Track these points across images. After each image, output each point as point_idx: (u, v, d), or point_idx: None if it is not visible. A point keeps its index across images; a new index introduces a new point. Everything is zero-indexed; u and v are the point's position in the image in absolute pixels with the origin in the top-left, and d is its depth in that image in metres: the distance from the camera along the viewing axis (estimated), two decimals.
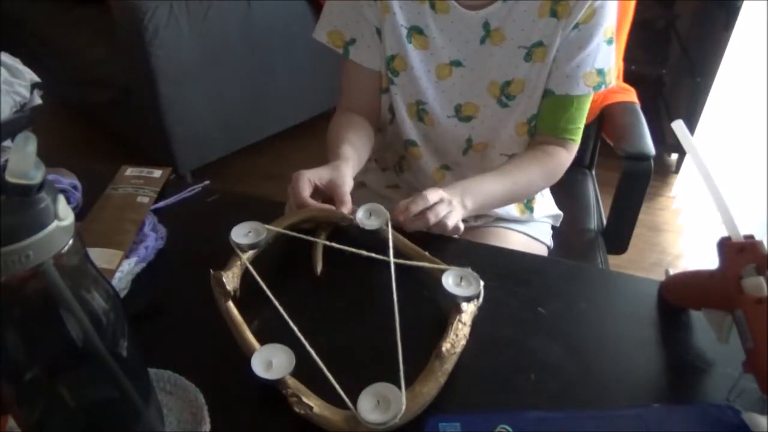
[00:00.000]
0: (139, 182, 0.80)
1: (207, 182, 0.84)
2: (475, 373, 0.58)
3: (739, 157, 1.89)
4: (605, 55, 0.89)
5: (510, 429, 0.48)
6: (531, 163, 0.92)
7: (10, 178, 0.34)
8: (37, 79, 0.86)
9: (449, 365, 0.55)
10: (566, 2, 0.85)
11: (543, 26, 0.87)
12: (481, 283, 0.62)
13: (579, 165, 1.40)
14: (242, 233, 0.69)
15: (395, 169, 1.09)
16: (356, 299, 0.67)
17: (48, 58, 2.29)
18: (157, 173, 0.83)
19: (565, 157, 0.94)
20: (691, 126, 2.09)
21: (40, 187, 0.35)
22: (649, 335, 0.64)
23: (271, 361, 0.55)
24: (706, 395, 0.59)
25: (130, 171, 0.83)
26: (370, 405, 0.51)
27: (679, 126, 0.61)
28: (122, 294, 0.66)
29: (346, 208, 0.74)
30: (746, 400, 0.53)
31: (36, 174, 0.34)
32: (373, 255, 0.67)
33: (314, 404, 0.52)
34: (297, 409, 0.52)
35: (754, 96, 1.78)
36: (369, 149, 0.94)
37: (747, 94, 1.86)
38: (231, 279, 0.63)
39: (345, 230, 0.73)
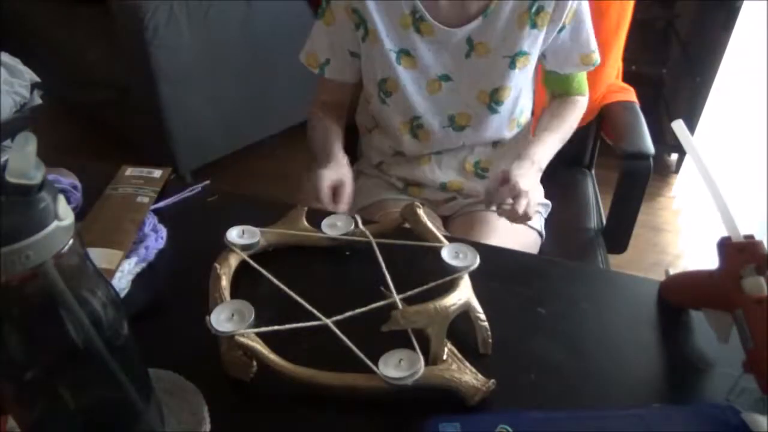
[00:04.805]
0: (139, 182, 0.80)
1: (207, 182, 0.84)
2: None
3: (739, 157, 1.89)
4: (593, 36, 1.00)
5: (510, 429, 0.48)
6: (568, 112, 1.04)
7: (10, 178, 0.34)
8: (37, 79, 0.86)
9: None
10: (545, 13, 0.92)
11: (524, 36, 0.94)
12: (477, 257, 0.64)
13: (578, 164, 1.40)
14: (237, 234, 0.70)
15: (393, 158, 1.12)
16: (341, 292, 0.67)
17: (48, 58, 2.29)
18: (157, 173, 0.83)
19: (584, 101, 1.08)
20: (691, 126, 2.09)
21: (40, 187, 0.35)
22: (649, 335, 0.64)
23: (233, 315, 0.57)
24: (706, 395, 0.59)
25: (130, 171, 0.83)
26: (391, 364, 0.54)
27: (679, 126, 0.61)
28: (122, 294, 0.66)
29: (343, 208, 0.88)
30: (746, 400, 0.53)
31: (36, 174, 0.34)
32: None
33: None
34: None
35: (754, 96, 1.78)
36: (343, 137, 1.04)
37: (747, 94, 1.86)
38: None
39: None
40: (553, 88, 1.09)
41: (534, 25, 0.94)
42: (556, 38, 0.97)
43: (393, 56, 0.96)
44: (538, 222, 1.12)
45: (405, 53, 0.96)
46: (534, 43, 0.96)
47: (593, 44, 1.00)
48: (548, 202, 1.15)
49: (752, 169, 1.75)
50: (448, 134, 1.03)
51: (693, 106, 2.11)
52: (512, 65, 0.96)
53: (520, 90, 1.01)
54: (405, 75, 0.97)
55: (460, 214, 1.11)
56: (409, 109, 1.00)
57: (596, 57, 1.01)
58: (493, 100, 0.99)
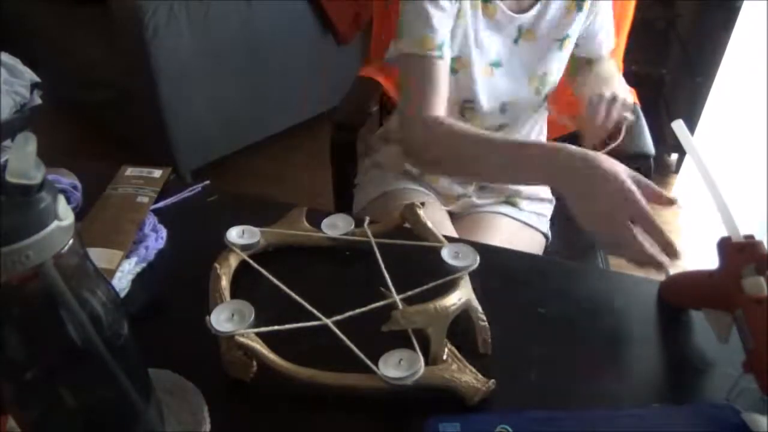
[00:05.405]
0: (139, 182, 0.80)
1: (207, 182, 0.84)
2: None
3: (739, 157, 1.89)
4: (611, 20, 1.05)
5: (510, 429, 0.48)
6: (611, 62, 1.07)
7: (10, 178, 0.34)
8: (37, 79, 0.86)
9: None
10: None
11: (572, 21, 0.97)
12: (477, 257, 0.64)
13: None
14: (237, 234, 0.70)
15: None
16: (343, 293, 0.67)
17: (48, 58, 2.29)
18: (157, 173, 0.83)
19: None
20: (691, 126, 2.09)
21: (40, 187, 0.35)
22: (648, 335, 0.64)
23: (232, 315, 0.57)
24: (706, 395, 0.59)
25: (130, 171, 0.83)
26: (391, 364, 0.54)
27: (679, 126, 0.61)
28: (122, 294, 0.66)
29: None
30: (746, 400, 0.53)
31: (36, 174, 0.34)
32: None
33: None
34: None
35: (754, 96, 1.78)
36: None
37: (747, 94, 1.86)
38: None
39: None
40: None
41: (580, 9, 0.97)
42: (591, 22, 1.00)
43: (472, 34, 0.94)
44: (544, 224, 1.11)
45: (475, 33, 0.96)
46: (578, 26, 0.99)
47: (612, 29, 1.06)
48: (552, 198, 1.15)
49: (752, 169, 1.75)
50: (494, 116, 1.03)
51: (693, 106, 2.11)
52: (560, 48, 0.99)
53: (558, 70, 1.03)
54: (476, 54, 0.96)
55: (468, 213, 1.10)
56: (467, 90, 0.98)
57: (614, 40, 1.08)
58: (541, 83, 1.02)
